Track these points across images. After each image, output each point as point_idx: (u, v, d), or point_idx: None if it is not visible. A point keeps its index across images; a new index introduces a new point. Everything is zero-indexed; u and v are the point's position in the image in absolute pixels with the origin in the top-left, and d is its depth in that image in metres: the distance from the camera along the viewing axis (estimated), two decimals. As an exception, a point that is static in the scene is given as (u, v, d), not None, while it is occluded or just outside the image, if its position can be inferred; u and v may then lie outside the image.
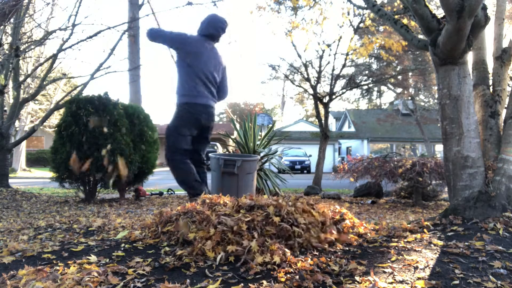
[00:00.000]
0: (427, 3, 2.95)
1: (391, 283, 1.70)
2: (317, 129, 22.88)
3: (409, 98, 20.96)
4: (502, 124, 3.13)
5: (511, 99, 3.05)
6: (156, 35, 3.60)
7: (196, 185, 3.51)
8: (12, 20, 6.03)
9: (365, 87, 19.66)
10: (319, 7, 8.41)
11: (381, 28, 9.78)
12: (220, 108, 41.63)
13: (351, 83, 11.63)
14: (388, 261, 2.01)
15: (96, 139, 5.56)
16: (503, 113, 3.20)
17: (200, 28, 3.66)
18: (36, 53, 12.67)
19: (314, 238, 2.32)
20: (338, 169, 7.46)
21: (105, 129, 5.47)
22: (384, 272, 1.85)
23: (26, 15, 7.20)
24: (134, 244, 2.41)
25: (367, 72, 17.30)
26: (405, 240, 2.40)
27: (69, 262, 2.04)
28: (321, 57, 9.79)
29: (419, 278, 1.74)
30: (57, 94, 17.73)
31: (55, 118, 16.89)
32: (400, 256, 2.04)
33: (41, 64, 9.03)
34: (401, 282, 1.71)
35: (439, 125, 3.76)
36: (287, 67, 13.01)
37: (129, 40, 9.11)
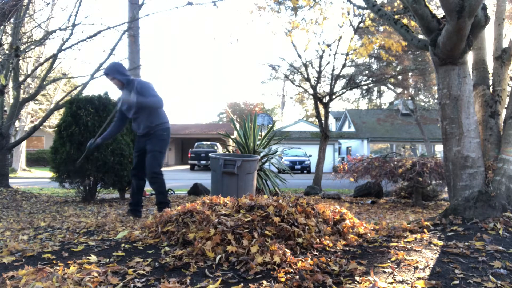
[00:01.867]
0: (427, 3, 2.95)
1: (391, 283, 1.70)
2: (317, 129, 22.87)
3: (409, 98, 20.93)
4: (502, 124, 3.13)
5: (511, 99, 3.05)
6: (157, 99, 3.90)
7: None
8: (12, 20, 6.03)
9: (365, 87, 19.65)
10: (319, 7, 8.41)
11: (381, 28, 9.77)
12: (220, 108, 41.68)
13: (351, 83, 11.62)
14: (388, 261, 2.01)
15: (96, 139, 5.55)
16: (503, 113, 3.20)
17: (125, 75, 4.00)
18: (36, 53, 12.66)
19: (315, 239, 2.32)
20: (338, 169, 7.45)
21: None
22: (384, 272, 1.85)
23: (26, 15, 7.20)
24: (134, 244, 2.41)
25: (367, 72, 17.28)
26: (405, 240, 2.41)
27: (69, 262, 2.04)
28: (321, 57, 9.79)
29: (419, 278, 1.74)
30: (57, 94, 17.72)
31: (55, 118, 16.88)
32: (400, 256, 2.04)
33: (41, 64, 9.02)
34: (401, 282, 1.71)
35: (439, 125, 3.76)
36: (287, 67, 12.99)
37: (129, 40, 9.11)
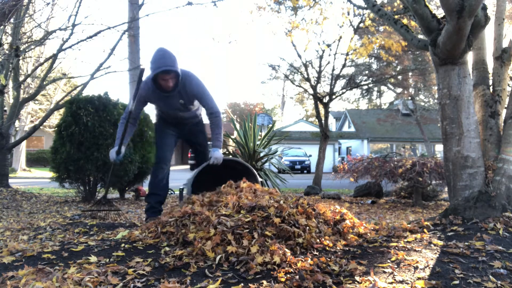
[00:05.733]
0: (427, 3, 2.95)
1: (391, 283, 1.69)
2: (317, 129, 22.86)
3: (409, 98, 20.94)
4: (502, 124, 3.13)
5: (511, 99, 3.05)
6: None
7: None
8: (12, 20, 6.03)
9: (365, 87, 19.65)
10: (319, 7, 8.41)
11: (381, 28, 9.77)
12: (220, 108, 41.76)
13: (351, 83, 11.63)
14: (388, 261, 2.00)
15: (96, 139, 5.55)
16: (503, 113, 3.20)
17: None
18: (36, 53, 12.65)
19: (315, 239, 2.32)
20: (338, 169, 7.45)
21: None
22: (384, 272, 1.85)
23: (26, 15, 7.20)
24: (134, 244, 2.41)
25: (367, 72, 17.28)
26: (405, 240, 2.40)
27: (69, 262, 2.04)
28: (321, 57, 9.79)
29: (419, 278, 1.74)
30: (57, 94, 17.71)
31: (55, 118, 16.87)
32: (400, 256, 2.04)
33: (41, 64, 9.02)
34: (401, 282, 1.71)
35: (439, 125, 3.76)
36: (287, 67, 13.02)
37: (129, 40, 9.11)
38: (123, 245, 2.40)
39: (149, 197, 3.47)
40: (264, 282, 1.73)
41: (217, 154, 3.13)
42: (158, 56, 2.89)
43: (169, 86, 2.95)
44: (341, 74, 10.62)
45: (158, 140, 3.48)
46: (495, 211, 2.65)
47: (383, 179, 6.36)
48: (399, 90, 21.18)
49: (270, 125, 10.05)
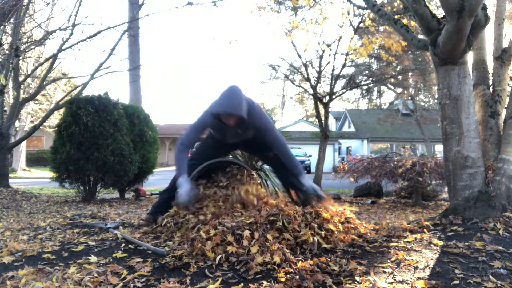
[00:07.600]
0: (427, 3, 2.95)
1: (391, 283, 1.69)
2: (317, 129, 22.85)
3: (409, 98, 20.94)
4: (502, 124, 3.13)
5: (511, 99, 3.05)
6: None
7: None
8: (12, 20, 6.03)
9: (365, 87, 19.64)
10: (319, 7, 8.41)
11: (381, 28, 9.78)
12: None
13: (351, 83, 11.61)
14: (388, 261, 2.00)
15: (96, 139, 5.55)
16: (503, 113, 3.20)
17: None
18: (36, 53, 12.65)
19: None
20: (338, 169, 7.45)
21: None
22: (384, 272, 1.85)
23: (26, 15, 7.20)
24: (134, 244, 2.41)
25: (367, 72, 17.27)
26: (405, 240, 2.40)
27: (69, 262, 2.04)
28: (321, 57, 9.78)
29: (419, 278, 1.74)
30: (57, 94, 17.70)
31: (55, 118, 16.86)
32: (400, 256, 2.04)
33: (41, 64, 9.02)
34: (401, 282, 1.71)
35: (439, 125, 3.76)
36: (287, 67, 13.01)
37: (129, 40, 9.11)
38: (123, 245, 2.40)
39: (168, 192, 3.07)
40: (264, 282, 1.73)
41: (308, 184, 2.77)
42: (225, 95, 2.73)
43: (230, 124, 2.78)
44: (341, 74, 10.61)
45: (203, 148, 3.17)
46: (495, 211, 2.65)
47: (383, 179, 6.36)
48: (399, 90, 21.18)
49: (270, 125, 10.04)
